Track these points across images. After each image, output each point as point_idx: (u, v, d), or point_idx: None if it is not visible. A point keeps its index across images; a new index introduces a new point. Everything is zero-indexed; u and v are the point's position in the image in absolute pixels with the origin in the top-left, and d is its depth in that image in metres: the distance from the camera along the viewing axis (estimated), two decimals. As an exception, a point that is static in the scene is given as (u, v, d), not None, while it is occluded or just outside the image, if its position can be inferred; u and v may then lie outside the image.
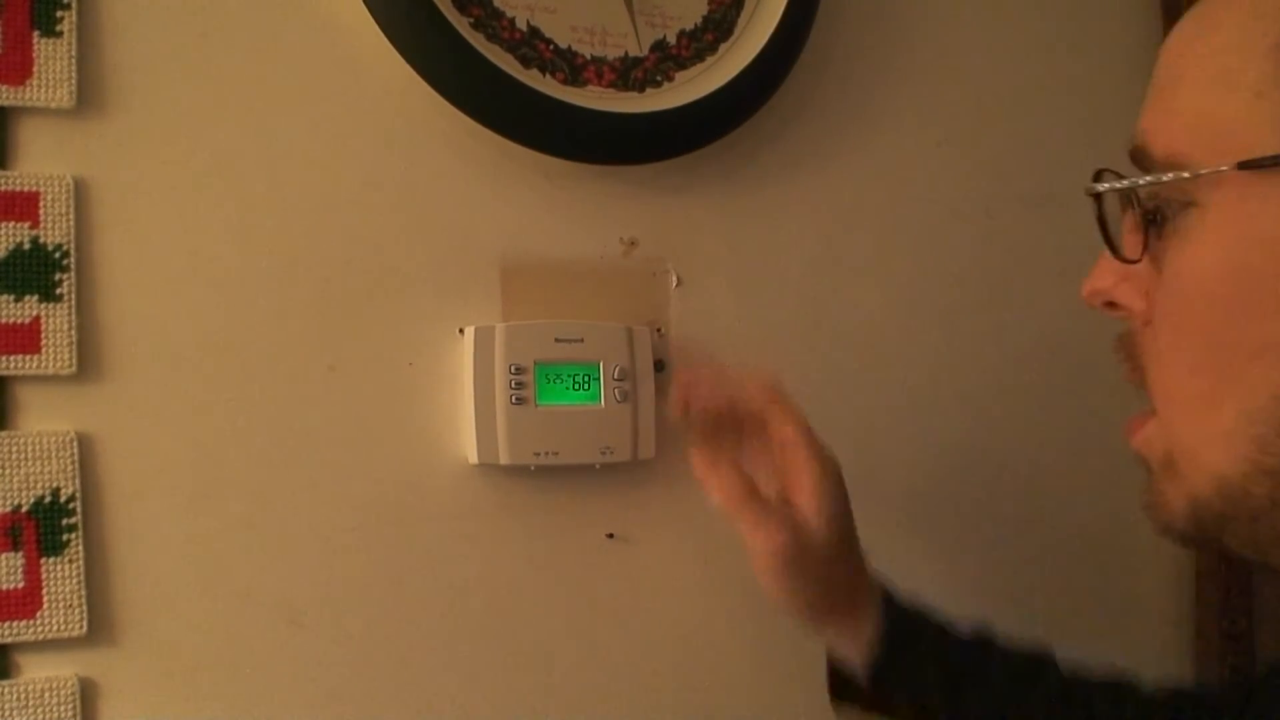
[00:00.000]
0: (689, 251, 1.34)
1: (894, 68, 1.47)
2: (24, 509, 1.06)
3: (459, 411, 1.22)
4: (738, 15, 1.34)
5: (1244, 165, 0.66)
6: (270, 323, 1.16)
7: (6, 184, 1.06)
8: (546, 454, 1.22)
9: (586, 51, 1.27)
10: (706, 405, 1.13)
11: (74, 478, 1.07)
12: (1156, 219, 0.74)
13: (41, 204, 1.07)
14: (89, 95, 1.10)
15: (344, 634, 1.18)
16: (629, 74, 1.28)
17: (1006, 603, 1.50)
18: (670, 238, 1.33)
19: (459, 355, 1.22)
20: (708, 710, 1.34)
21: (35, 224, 1.07)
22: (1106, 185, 0.78)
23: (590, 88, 1.27)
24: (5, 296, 1.06)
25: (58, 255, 1.07)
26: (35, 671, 1.07)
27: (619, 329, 1.26)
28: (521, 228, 1.27)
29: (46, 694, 1.06)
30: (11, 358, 1.06)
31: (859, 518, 1.40)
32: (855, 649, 1.13)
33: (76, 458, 1.07)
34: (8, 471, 1.05)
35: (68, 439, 1.07)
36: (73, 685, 1.07)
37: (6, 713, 1.04)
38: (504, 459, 1.21)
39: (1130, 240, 0.77)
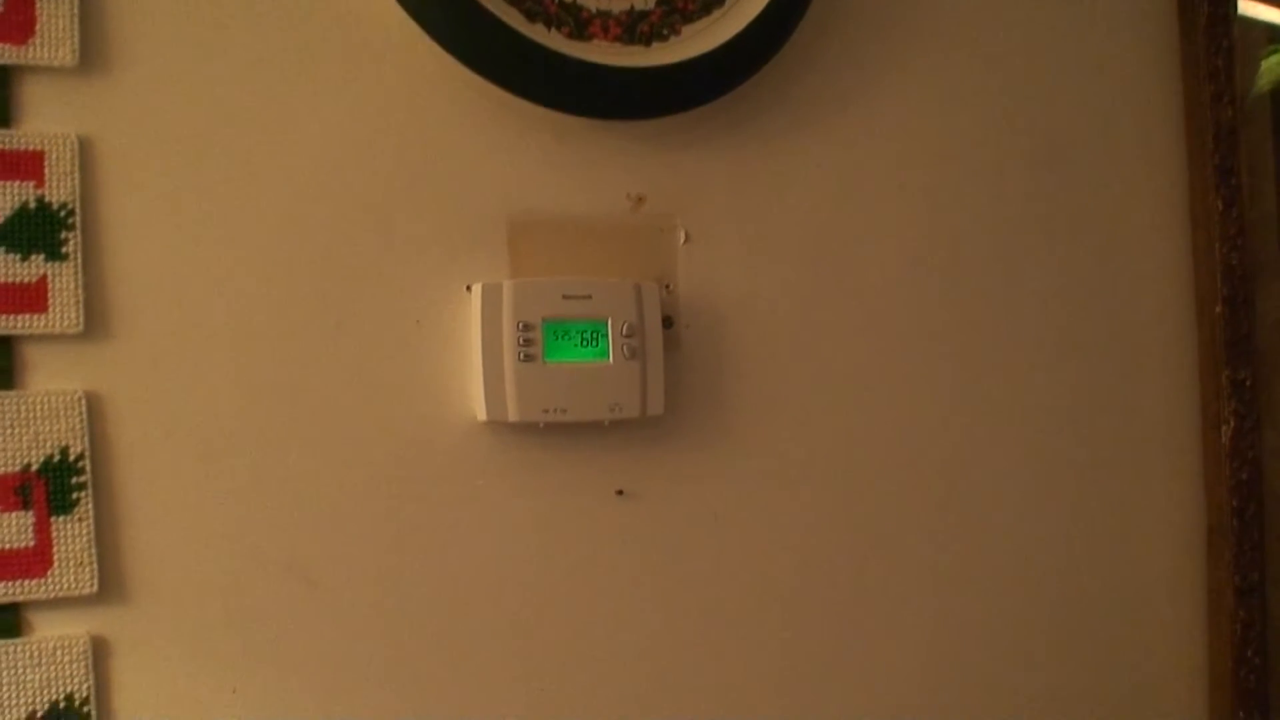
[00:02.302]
0: (697, 207, 1.34)
1: (904, 21, 1.46)
2: (33, 468, 1.06)
3: (467, 369, 1.22)
4: (745, -32, 1.33)
5: None
6: (277, 280, 1.16)
7: (11, 143, 1.06)
8: (555, 411, 1.22)
9: (592, 5, 1.26)
10: None
11: (83, 437, 1.08)
12: None
13: (46, 163, 1.07)
14: (92, 53, 1.10)
15: (353, 590, 1.18)
16: (635, 28, 1.28)
17: (1016, 547, 1.51)
18: (678, 194, 1.33)
19: (466, 312, 1.22)
20: (715, 662, 1.34)
21: (40, 183, 1.07)
22: None
23: (596, 42, 1.26)
24: (11, 256, 1.06)
25: (63, 214, 1.07)
26: (47, 630, 1.07)
27: (627, 285, 1.25)
28: (528, 184, 1.26)
29: (58, 652, 1.06)
30: (18, 317, 1.06)
31: (867, 474, 1.41)
32: None
33: (85, 416, 1.08)
34: (16, 431, 1.05)
35: (76, 398, 1.07)
36: (84, 643, 1.07)
37: (19, 670, 1.05)
38: (512, 416, 1.20)
39: None
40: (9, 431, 1.05)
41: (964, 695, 1.48)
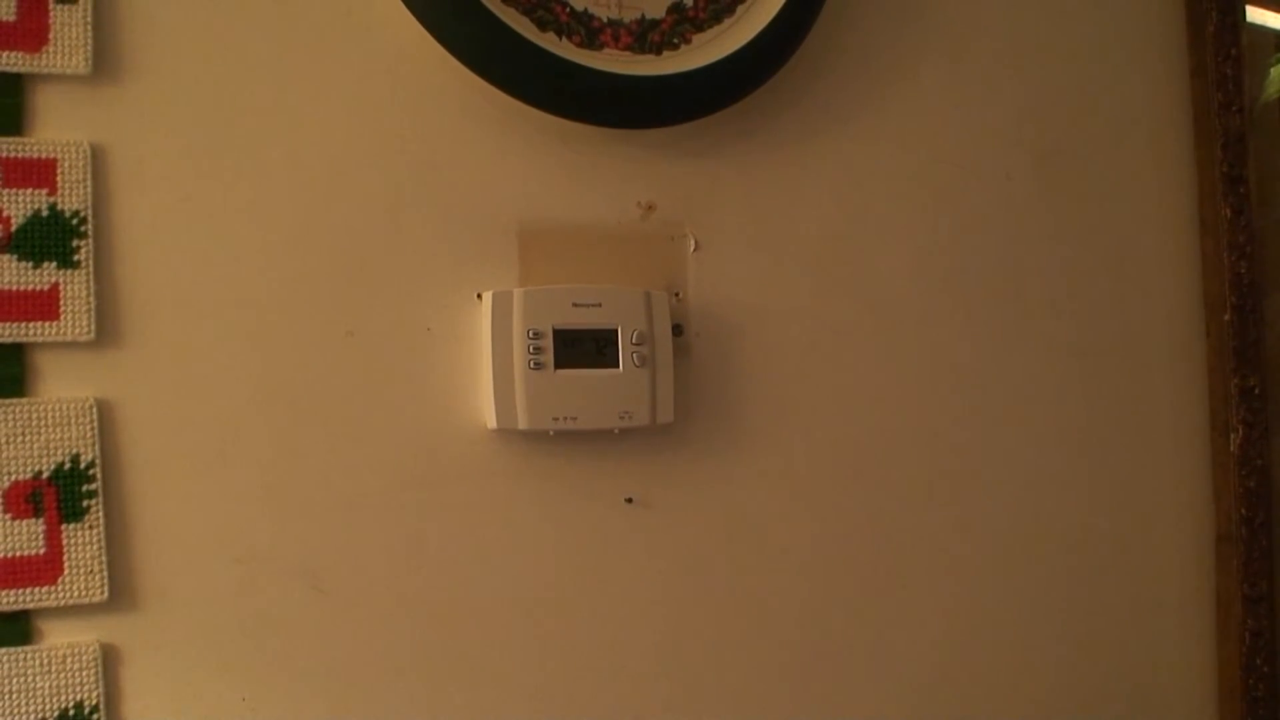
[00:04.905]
0: (707, 215, 1.34)
1: (913, 29, 1.46)
2: (45, 475, 1.06)
3: (477, 377, 1.22)
4: (756, -24, 1.33)
5: None
6: (288, 288, 1.16)
7: (24, 151, 1.06)
8: (565, 419, 1.22)
9: (603, 14, 1.26)
10: None
11: (94, 444, 1.08)
12: None
13: (59, 170, 1.07)
14: (104, 61, 1.10)
15: (364, 598, 1.18)
16: (646, 36, 1.28)
17: (1025, 555, 1.51)
18: (688, 201, 1.33)
19: (477, 320, 1.22)
20: (726, 668, 1.34)
21: (53, 190, 1.07)
22: None
23: (607, 50, 1.26)
24: (24, 263, 1.06)
25: (75, 222, 1.07)
26: (57, 637, 1.07)
27: (637, 293, 1.25)
28: (539, 192, 1.26)
29: (68, 659, 1.06)
30: (31, 324, 1.06)
31: (878, 483, 1.41)
32: None
33: (96, 424, 1.08)
34: (28, 438, 1.05)
35: (87, 405, 1.07)
36: (94, 651, 1.07)
37: (29, 678, 1.05)
38: (522, 424, 1.20)
39: None
40: (20, 439, 1.05)
41: (973, 702, 1.47)
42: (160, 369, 1.11)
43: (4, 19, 1.06)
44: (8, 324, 1.05)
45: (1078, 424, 1.55)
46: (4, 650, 1.05)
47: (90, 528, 1.07)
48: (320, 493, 1.17)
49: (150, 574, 1.11)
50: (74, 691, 1.06)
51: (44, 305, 1.06)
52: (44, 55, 1.07)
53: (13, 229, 1.05)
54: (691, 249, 1.33)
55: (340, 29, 1.19)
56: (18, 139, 1.06)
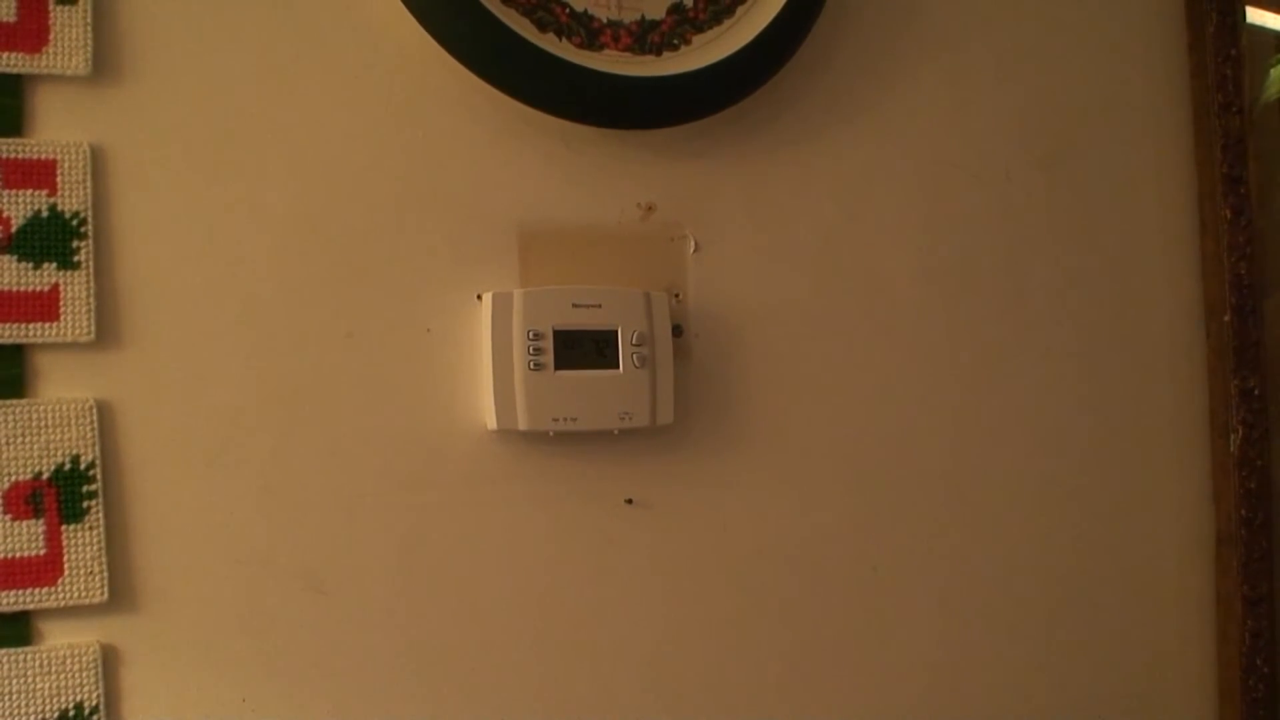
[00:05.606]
0: (707, 216, 1.34)
1: (913, 30, 1.46)
2: (45, 476, 1.06)
3: (477, 378, 1.22)
4: (756, -23, 1.33)
5: None
6: (288, 289, 1.16)
7: (24, 151, 1.06)
8: (565, 420, 1.22)
9: (603, 15, 1.26)
10: None
11: (94, 445, 1.08)
12: None
13: (59, 171, 1.07)
14: (104, 62, 1.10)
15: (364, 599, 1.18)
16: (646, 37, 1.28)
17: (1024, 555, 1.51)
18: (688, 202, 1.33)
19: (477, 321, 1.22)
20: (723, 670, 1.34)
21: (53, 191, 1.07)
22: None
23: (607, 51, 1.26)
24: (24, 264, 1.06)
25: (75, 223, 1.07)
26: (57, 638, 1.07)
27: (637, 294, 1.25)
28: (539, 193, 1.26)
29: (68, 660, 1.06)
30: (31, 325, 1.06)
31: (877, 483, 1.41)
32: None
33: (96, 425, 1.08)
34: (28, 439, 1.05)
35: (87, 406, 1.07)
36: (94, 652, 1.07)
37: (29, 679, 1.05)
38: (522, 425, 1.20)
39: None
40: (20, 440, 1.05)
41: (973, 702, 1.47)
42: (160, 369, 1.11)
43: (4, 20, 1.06)
44: (8, 325, 1.05)
45: (1077, 425, 1.55)
46: (4, 651, 1.05)
47: (90, 529, 1.07)
48: (320, 493, 1.17)
49: (150, 575, 1.11)
50: (74, 692, 1.07)
51: (44, 306, 1.06)
52: (44, 56, 1.07)
53: (13, 230, 1.05)
54: (691, 250, 1.33)
55: (340, 29, 1.19)
56: (18, 140, 1.06)
